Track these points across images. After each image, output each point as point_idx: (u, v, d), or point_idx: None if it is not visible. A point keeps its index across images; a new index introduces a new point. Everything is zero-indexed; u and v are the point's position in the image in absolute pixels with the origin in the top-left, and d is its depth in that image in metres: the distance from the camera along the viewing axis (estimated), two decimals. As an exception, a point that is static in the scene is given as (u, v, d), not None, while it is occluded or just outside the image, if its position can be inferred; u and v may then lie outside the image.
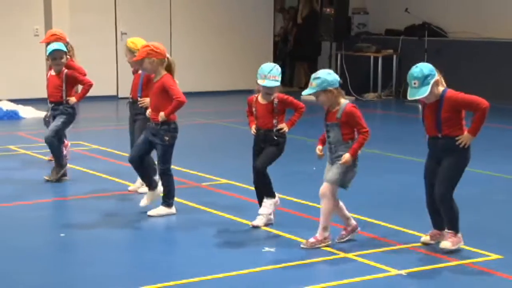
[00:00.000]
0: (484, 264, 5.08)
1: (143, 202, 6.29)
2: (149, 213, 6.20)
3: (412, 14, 14.32)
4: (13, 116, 11.54)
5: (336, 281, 4.71)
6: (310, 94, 5.28)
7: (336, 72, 15.02)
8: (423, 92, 5.06)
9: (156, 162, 6.33)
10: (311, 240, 5.34)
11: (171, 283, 4.65)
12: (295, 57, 16.24)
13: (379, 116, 12.96)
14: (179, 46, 14.59)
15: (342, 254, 5.23)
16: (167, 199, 6.24)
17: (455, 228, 5.24)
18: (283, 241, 5.54)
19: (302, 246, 5.34)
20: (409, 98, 5.13)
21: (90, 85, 7.33)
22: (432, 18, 14.73)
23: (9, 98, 12.51)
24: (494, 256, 5.21)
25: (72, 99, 7.29)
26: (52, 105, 7.38)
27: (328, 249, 5.32)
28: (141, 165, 6.24)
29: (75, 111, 7.45)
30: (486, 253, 5.27)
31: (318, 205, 6.51)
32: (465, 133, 5.13)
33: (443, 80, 5.19)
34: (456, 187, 5.22)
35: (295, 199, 6.65)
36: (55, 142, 7.26)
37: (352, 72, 14.51)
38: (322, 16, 14.56)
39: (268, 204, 5.84)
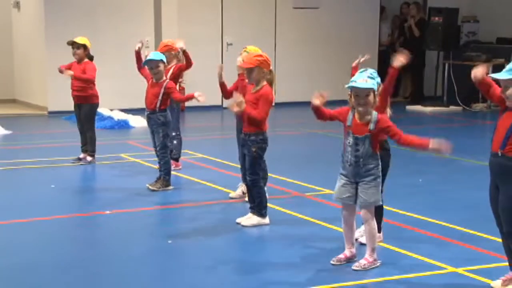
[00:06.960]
0: None
1: None
2: (243, 223, 6.20)
3: (525, 21, 13.85)
4: (123, 125, 11.97)
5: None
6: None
7: (443, 81, 14.77)
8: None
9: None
10: (362, 262, 5.13)
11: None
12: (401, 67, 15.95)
13: (489, 127, 12.53)
14: (283, 56, 14.70)
15: (450, 269, 5.10)
16: (259, 209, 6.22)
17: None
18: (388, 253, 5.45)
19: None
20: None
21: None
22: (546, 26, 14.18)
23: (120, 108, 12.97)
24: None
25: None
26: (148, 112, 7.60)
27: (435, 262, 5.19)
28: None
29: (168, 119, 7.58)
30: None
31: (426, 218, 6.39)
32: None
33: None
34: None
35: (401, 211, 6.54)
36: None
37: (460, 82, 14.12)
38: (429, 25, 14.28)
39: None
